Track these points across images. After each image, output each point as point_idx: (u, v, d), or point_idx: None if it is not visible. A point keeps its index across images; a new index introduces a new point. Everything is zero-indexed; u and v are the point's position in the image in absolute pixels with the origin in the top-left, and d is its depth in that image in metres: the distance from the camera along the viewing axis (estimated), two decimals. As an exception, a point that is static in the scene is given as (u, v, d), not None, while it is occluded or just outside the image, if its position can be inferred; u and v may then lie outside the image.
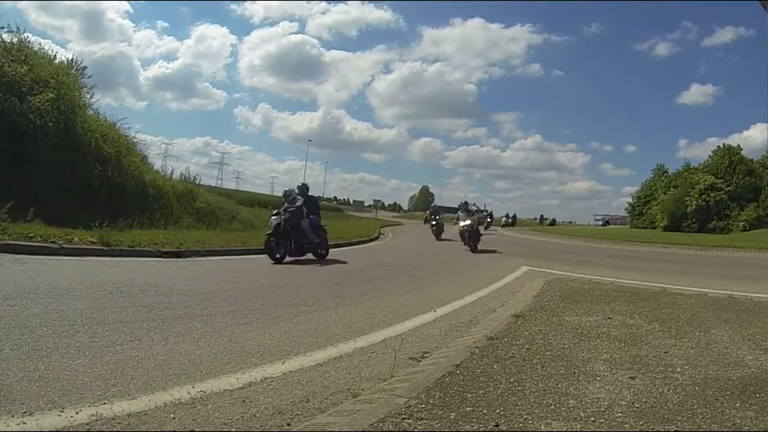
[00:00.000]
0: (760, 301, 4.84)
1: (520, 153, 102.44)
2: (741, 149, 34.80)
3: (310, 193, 9.06)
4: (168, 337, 2.95)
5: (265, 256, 7.53)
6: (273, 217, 8.04)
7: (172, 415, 1.91)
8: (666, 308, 4.31)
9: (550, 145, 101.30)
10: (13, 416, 1.75)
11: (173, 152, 55.33)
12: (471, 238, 11.77)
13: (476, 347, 2.83)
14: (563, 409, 1.95)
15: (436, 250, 13.01)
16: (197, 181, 14.90)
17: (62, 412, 1.83)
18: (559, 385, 2.23)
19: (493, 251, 12.08)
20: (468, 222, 11.87)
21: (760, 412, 1.96)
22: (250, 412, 1.99)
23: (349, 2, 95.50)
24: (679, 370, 2.53)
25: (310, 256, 8.38)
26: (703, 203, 32.63)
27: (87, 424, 1.76)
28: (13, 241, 5.70)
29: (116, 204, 9.46)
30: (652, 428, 1.80)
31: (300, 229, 8.07)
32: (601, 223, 61.79)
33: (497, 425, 1.78)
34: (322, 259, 8.39)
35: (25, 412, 1.79)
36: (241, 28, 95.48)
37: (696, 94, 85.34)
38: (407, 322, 3.87)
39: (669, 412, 1.95)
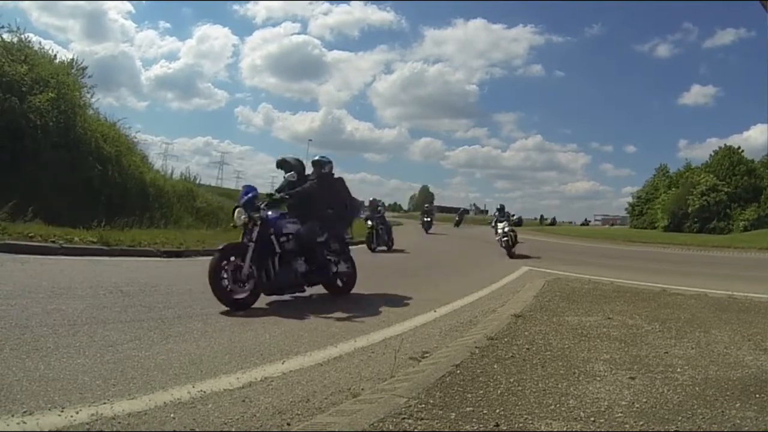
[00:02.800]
0: (760, 301, 4.83)
1: (520, 153, 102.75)
2: (742, 150, 34.93)
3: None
4: (168, 337, 2.95)
5: None
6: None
7: (172, 415, 1.91)
8: (666, 308, 4.31)
9: (551, 145, 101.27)
10: (13, 416, 1.76)
11: (174, 152, 55.20)
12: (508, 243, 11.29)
13: (476, 347, 2.83)
14: (563, 409, 1.96)
15: (436, 251, 13.01)
16: (197, 181, 14.90)
17: (62, 411, 1.83)
18: (559, 385, 2.23)
19: (494, 251, 12.07)
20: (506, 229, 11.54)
21: (760, 413, 1.96)
22: (250, 412, 2.00)
23: (351, 3, 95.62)
24: (679, 370, 2.53)
25: None
26: (705, 204, 32.65)
27: (87, 423, 1.77)
28: (13, 240, 5.69)
29: (116, 203, 9.43)
30: (652, 428, 1.80)
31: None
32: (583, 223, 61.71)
33: (497, 425, 1.78)
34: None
35: (25, 412, 1.79)
36: (244, 28, 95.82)
37: (697, 95, 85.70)
38: (407, 322, 3.87)
39: (669, 412, 1.95)
